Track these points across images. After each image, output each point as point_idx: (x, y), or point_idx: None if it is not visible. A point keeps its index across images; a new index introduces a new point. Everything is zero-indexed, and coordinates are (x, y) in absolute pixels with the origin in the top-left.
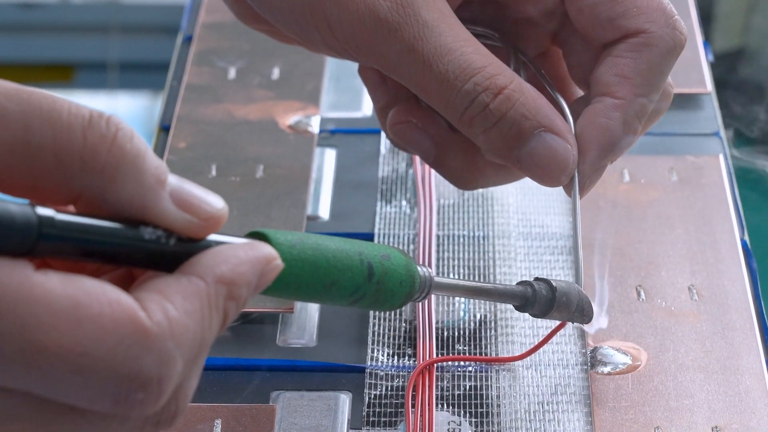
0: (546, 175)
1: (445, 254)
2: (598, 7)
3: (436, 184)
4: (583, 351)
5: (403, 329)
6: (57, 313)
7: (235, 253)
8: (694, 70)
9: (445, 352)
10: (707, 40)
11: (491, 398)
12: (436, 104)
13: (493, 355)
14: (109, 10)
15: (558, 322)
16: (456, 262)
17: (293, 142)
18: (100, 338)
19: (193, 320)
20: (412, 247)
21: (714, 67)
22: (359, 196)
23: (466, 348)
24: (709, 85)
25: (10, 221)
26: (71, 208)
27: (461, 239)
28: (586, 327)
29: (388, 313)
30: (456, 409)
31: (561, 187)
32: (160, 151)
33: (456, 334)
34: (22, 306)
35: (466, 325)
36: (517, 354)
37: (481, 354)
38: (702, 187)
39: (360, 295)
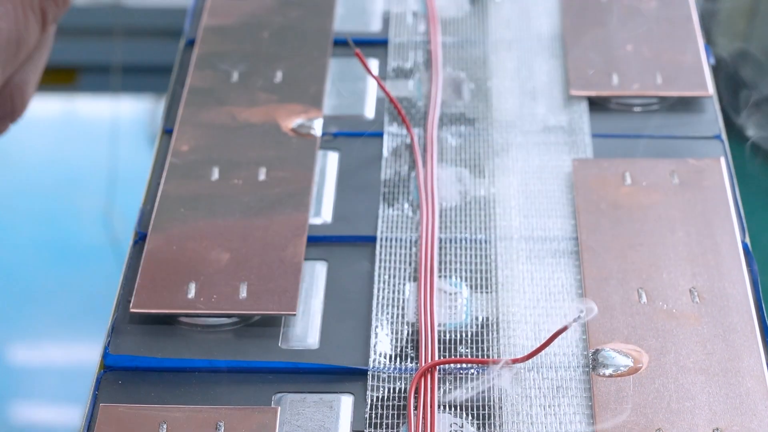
0: None
1: (448, 257)
2: None
3: (438, 187)
4: (585, 353)
5: (405, 332)
6: None
7: None
8: (696, 74)
9: (447, 354)
10: (708, 44)
11: (493, 400)
12: None
13: (495, 357)
14: (112, 13)
15: (560, 326)
16: (458, 264)
17: (296, 145)
18: None
19: (5, 21)
20: (414, 250)
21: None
22: (362, 199)
23: (468, 350)
24: (711, 89)
25: None
26: None
27: (463, 242)
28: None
29: (390, 315)
30: (458, 411)
31: (563, 190)
32: (163, 154)
33: (458, 336)
34: None
35: (468, 327)
36: (519, 356)
37: (483, 356)
38: (703, 189)
39: None
